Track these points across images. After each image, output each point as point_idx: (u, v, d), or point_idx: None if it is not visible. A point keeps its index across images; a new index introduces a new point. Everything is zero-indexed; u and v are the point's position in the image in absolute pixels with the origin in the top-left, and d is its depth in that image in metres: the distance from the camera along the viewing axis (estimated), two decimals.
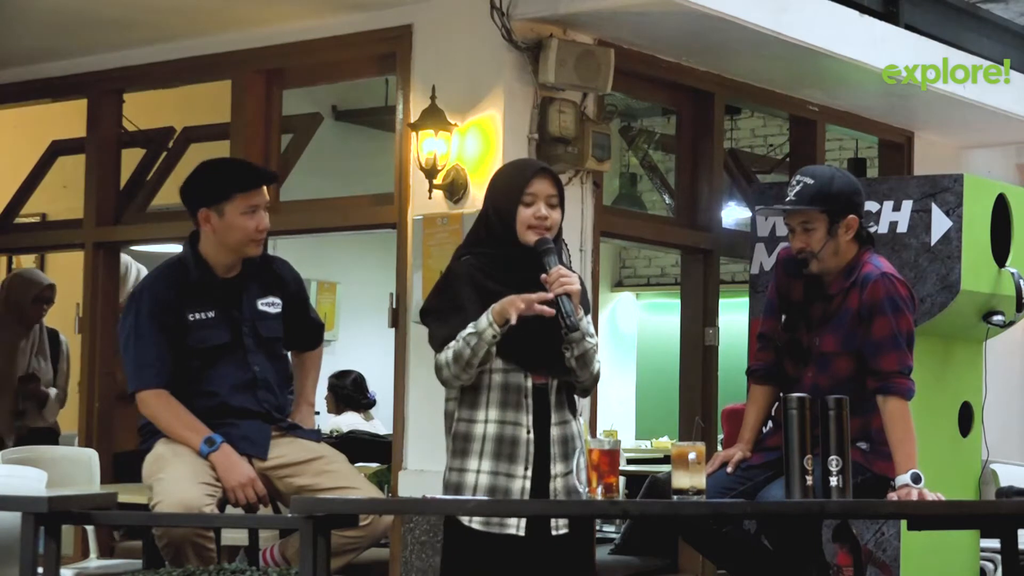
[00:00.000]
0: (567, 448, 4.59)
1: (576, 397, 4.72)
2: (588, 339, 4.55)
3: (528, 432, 4.53)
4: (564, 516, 4.57)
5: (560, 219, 4.63)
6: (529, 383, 4.55)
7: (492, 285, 4.51)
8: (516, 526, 4.50)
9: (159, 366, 5.02)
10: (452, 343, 4.49)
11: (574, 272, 4.55)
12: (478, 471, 4.52)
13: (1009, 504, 5.12)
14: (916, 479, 4.78)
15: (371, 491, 5.14)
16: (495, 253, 4.59)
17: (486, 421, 4.54)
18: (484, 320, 4.44)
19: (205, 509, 4.75)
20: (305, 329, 5.39)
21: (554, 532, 4.56)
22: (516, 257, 4.56)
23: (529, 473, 4.52)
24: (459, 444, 4.57)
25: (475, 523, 4.51)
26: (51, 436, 8.45)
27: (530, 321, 4.47)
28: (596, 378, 4.64)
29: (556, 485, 4.55)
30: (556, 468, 4.56)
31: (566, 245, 4.83)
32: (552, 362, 4.57)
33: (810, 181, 5.02)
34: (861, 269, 5.01)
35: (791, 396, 4.17)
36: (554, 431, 4.58)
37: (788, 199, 5.05)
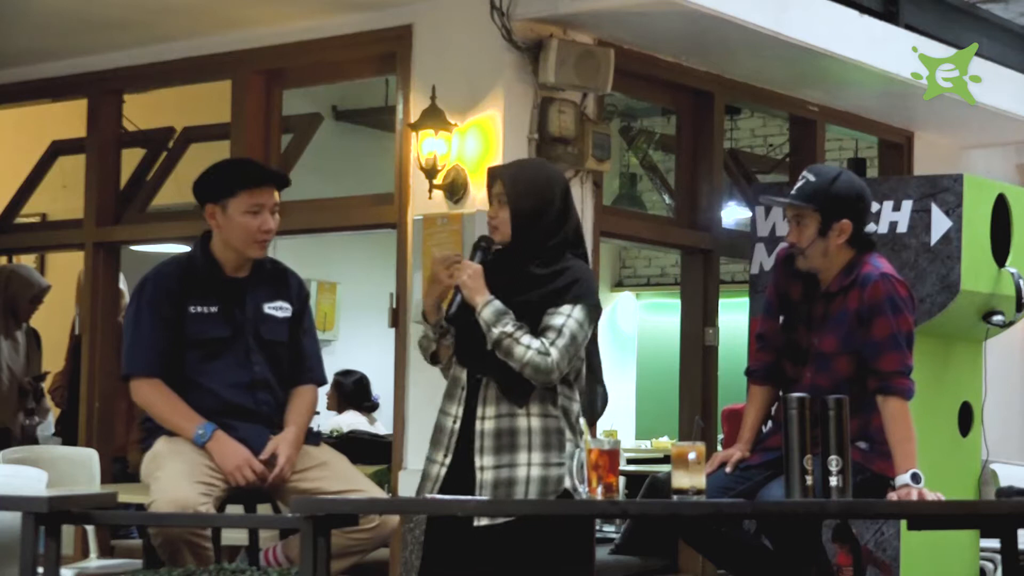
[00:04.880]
0: (502, 442, 4.58)
1: (557, 390, 4.63)
2: (493, 329, 4.53)
3: (455, 422, 4.66)
4: (564, 515, 4.57)
5: (508, 216, 4.68)
6: (464, 376, 4.67)
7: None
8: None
9: (152, 354, 5.03)
10: None
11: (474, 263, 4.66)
12: (426, 457, 4.74)
13: (1009, 504, 5.12)
14: (916, 479, 4.78)
15: (375, 492, 5.14)
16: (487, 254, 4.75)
17: (440, 411, 4.74)
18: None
19: (201, 508, 4.74)
20: (294, 354, 5.26)
21: (476, 523, 4.54)
22: (490, 257, 4.73)
23: (447, 461, 4.64)
24: None
25: None
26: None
27: (465, 318, 4.62)
28: (530, 367, 4.51)
29: (484, 477, 4.56)
30: (483, 461, 4.58)
31: None
32: (477, 357, 4.63)
33: (812, 179, 5.06)
34: (860, 269, 5.01)
35: (791, 396, 4.17)
36: (485, 424, 4.60)
37: (791, 193, 5.10)
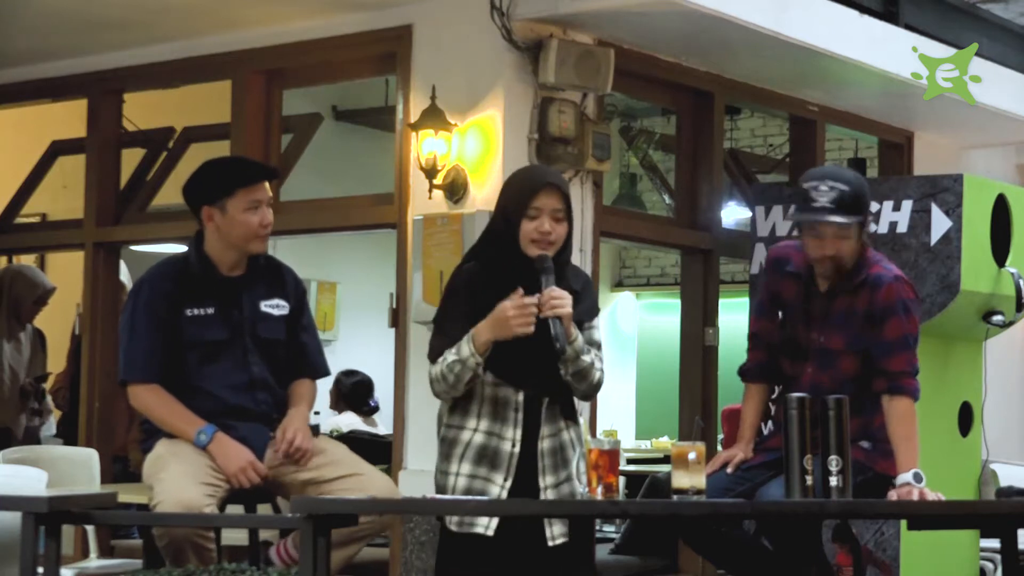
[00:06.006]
0: (557, 458, 4.60)
1: (575, 401, 4.73)
2: (583, 357, 4.54)
3: (514, 446, 4.54)
4: (563, 516, 4.57)
5: (566, 232, 4.59)
6: (520, 397, 4.56)
7: (489, 297, 4.50)
8: (486, 526, 4.51)
9: (149, 359, 5.03)
10: (440, 359, 4.52)
11: (568, 292, 4.51)
12: (457, 473, 4.57)
13: (1009, 504, 5.13)
14: (917, 478, 4.79)
15: (376, 474, 5.12)
16: (499, 261, 4.58)
17: (475, 430, 4.58)
18: (466, 348, 4.46)
19: (205, 509, 4.75)
20: (294, 351, 5.27)
21: (551, 543, 4.56)
22: (518, 268, 4.54)
23: (508, 484, 4.53)
24: (445, 448, 4.63)
25: (452, 524, 4.57)
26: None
27: (521, 339, 4.48)
28: (597, 387, 4.64)
29: (548, 496, 4.57)
30: (545, 480, 4.57)
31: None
32: (543, 379, 4.56)
33: (845, 188, 4.93)
34: (869, 270, 5.02)
35: (791, 396, 4.17)
36: (545, 443, 4.59)
37: (823, 205, 4.93)
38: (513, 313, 4.42)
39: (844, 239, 4.96)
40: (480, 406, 4.58)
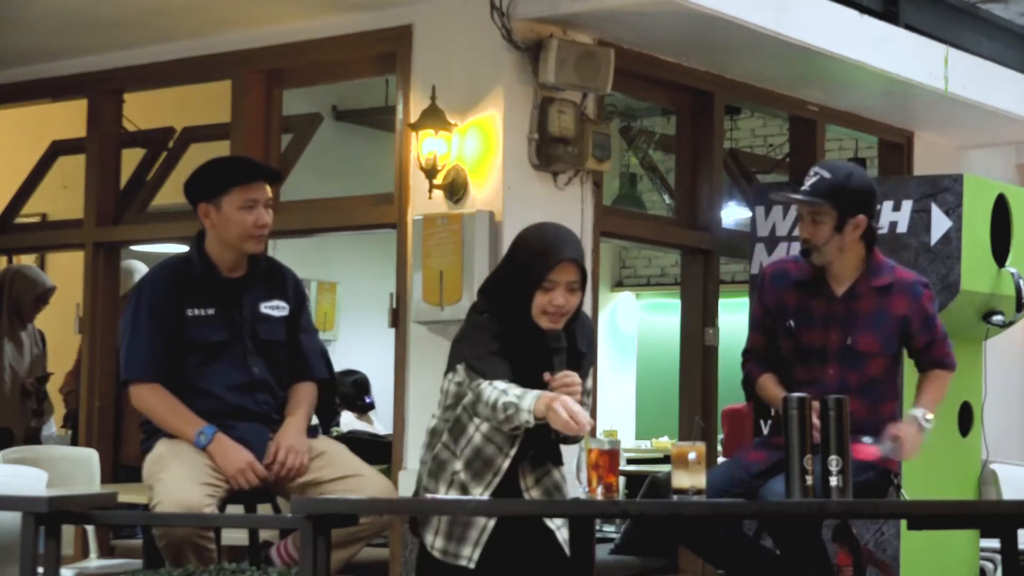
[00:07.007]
0: (554, 500, 4.59)
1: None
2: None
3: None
4: (564, 516, 4.57)
5: (579, 302, 4.53)
6: (505, 464, 4.52)
7: (505, 350, 4.46)
8: (468, 558, 4.47)
9: (151, 360, 5.03)
10: (498, 387, 4.34)
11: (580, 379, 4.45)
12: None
13: (1009, 504, 5.13)
14: (925, 419, 5.05)
15: (374, 476, 5.12)
16: (508, 318, 4.49)
17: (457, 469, 4.54)
18: (528, 402, 4.28)
19: (205, 510, 4.75)
20: (293, 353, 5.26)
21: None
22: (527, 330, 4.48)
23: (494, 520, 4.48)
24: (434, 467, 4.58)
25: (435, 551, 4.53)
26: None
27: None
28: (578, 440, 4.58)
29: (564, 535, 4.55)
30: (555, 521, 4.56)
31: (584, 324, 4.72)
32: (532, 446, 4.50)
33: (827, 175, 5.11)
34: (894, 274, 5.10)
35: (791, 396, 4.17)
36: (532, 494, 4.58)
37: (803, 189, 5.14)
38: (566, 422, 4.25)
39: (817, 223, 5.09)
40: (466, 446, 4.53)
